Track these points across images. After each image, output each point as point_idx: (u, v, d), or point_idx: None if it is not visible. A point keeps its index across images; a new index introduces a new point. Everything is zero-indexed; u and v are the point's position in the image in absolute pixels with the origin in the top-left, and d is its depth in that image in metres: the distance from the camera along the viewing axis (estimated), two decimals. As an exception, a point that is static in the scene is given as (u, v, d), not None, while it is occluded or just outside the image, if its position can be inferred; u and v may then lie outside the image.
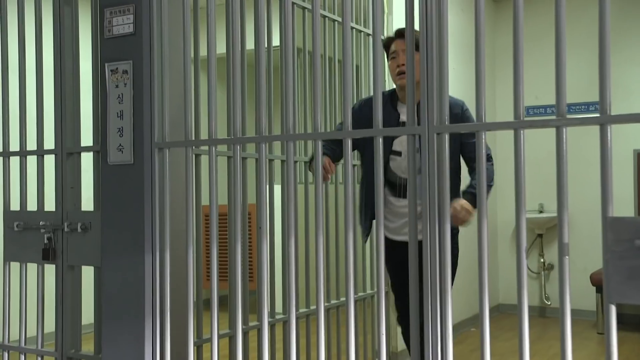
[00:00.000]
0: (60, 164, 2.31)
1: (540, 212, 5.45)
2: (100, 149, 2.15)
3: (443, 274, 1.55)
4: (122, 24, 2.09)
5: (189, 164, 1.97)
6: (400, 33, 2.53)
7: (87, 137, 2.31)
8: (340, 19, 3.41)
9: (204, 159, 2.38)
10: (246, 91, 2.40)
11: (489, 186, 2.40)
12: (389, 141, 2.56)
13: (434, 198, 1.57)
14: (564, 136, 1.41)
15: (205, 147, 2.07)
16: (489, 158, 2.51)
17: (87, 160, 2.32)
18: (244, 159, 2.48)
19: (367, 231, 2.76)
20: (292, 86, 1.80)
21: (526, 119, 1.47)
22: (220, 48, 2.16)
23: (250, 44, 2.59)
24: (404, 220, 2.59)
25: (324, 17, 3.21)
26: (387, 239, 2.46)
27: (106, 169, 2.12)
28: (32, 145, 2.39)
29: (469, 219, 2.33)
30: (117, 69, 2.10)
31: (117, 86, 2.09)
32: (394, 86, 2.66)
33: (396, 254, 2.53)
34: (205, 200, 2.29)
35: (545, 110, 6.22)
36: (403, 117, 2.56)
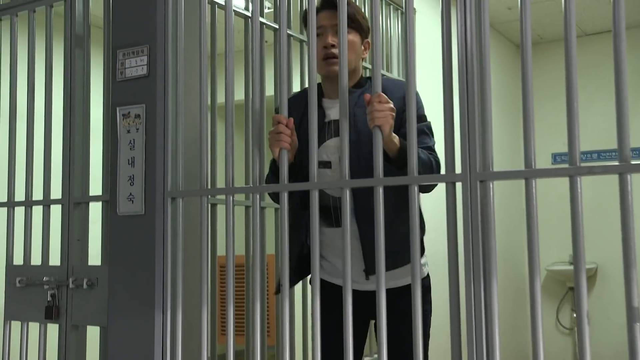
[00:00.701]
0: (67, 215, 2.18)
1: (572, 263, 5.23)
2: (109, 199, 2.03)
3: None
4: (135, 66, 1.99)
5: (204, 214, 1.83)
6: (328, 2, 1.94)
7: (96, 186, 2.19)
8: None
9: (220, 208, 2.24)
10: (265, 138, 2.29)
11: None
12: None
13: (478, 259, 1.41)
14: (629, 184, 1.26)
15: (222, 197, 1.94)
16: (432, 150, 1.91)
17: (95, 211, 2.19)
18: (262, 208, 2.34)
19: (294, 275, 2.07)
20: (316, 133, 1.67)
21: (583, 164, 1.32)
22: (239, 95, 2.07)
23: (269, 90, 2.50)
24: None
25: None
26: (327, 284, 2.04)
27: (115, 220, 1.99)
28: (38, 194, 2.27)
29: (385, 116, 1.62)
30: (129, 113, 1.99)
31: (128, 131, 1.98)
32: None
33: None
34: (220, 250, 2.15)
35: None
36: (332, 115, 1.98)
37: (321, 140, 1.94)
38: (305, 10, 2.02)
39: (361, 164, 1.83)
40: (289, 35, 2.63)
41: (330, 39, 1.94)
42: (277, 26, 2.72)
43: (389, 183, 1.58)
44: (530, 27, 1.41)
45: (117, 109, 2.01)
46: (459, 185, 1.47)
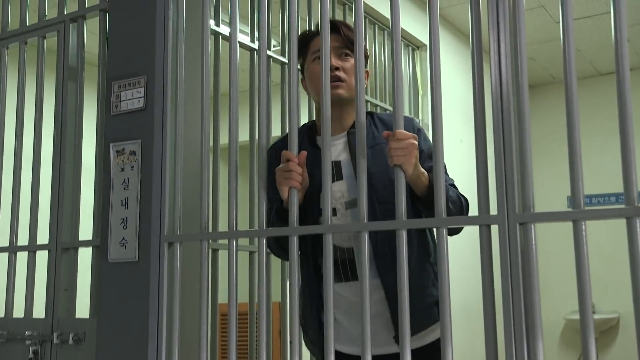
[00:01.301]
0: (54, 262, 2.02)
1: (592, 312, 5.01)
2: (100, 244, 1.86)
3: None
4: (132, 99, 1.85)
5: (205, 260, 1.67)
6: (333, 26, 1.74)
7: (86, 230, 2.03)
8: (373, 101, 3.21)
9: (222, 254, 2.08)
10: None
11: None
12: (315, 194, 1.71)
13: (519, 310, 1.24)
14: (637, 229, 1.12)
15: (224, 241, 1.78)
16: (454, 185, 1.74)
17: (85, 257, 2.02)
18: (268, 254, 2.17)
19: (317, 346, 1.80)
20: (329, 175, 1.52)
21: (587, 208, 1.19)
22: (243, 136, 1.94)
23: (275, 131, 2.36)
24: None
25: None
26: (341, 356, 1.77)
27: (106, 267, 1.82)
28: (23, 239, 2.11)
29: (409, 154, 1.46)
30: (123, 149, 1.84)
31: (122, 169, 1.83)
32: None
33: None
34: (222, 298, 1.98)
35: (591, 200, 5.90)
36: (333, 155, 1.75)
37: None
38: (303, 33, 1.89)
39: (377, 213, 1.67)
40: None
41: (334, 61, 1.76)
42: (283, 59, 2.60)
43: (415, 226, 1.42)
44: (573, 63, 1.27)
45: (111, 145, 1.87)
46: (494, 228, 1.30)
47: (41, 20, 2.21)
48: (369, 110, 1.95)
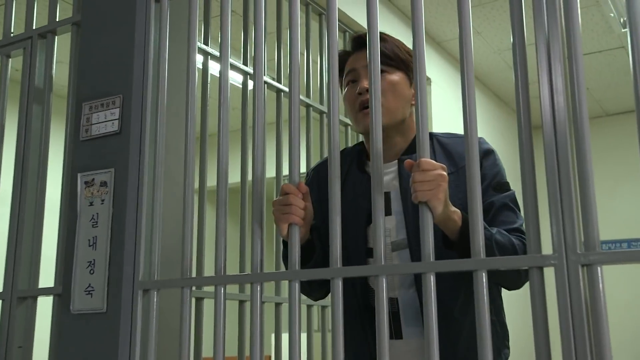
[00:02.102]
0: (8, 313, 1.75)
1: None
2: (62, 292, 1.60)
3: None
4: (105, 121, 1.63)
5: (187, 311, 1.41)
6: (361, 42, 1.58)
7: (47, 277, 1.77)
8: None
9: (208, 304, 1.82)
10: (265, 221, 1.91)
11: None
12: (359, 228, 1.52)
13: (589, 371, 0.99)
14: None
15: (210, 288, 1.53)
16: (519, 231, 1.46)
17: (44, 308, 1.75)
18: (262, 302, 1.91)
19: None
20: (338, 216, 1.28)
21: None
22: (233, 177, 1.74)
23: (270, 172, 2.14)
24: None
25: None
26: None
27: (68, 319, 1.56)
28: (-25, 286, 1.85)
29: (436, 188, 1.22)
30: (93, 180, 1.61)
31: (91, 203, 1.59)
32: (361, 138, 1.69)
33: None
34: (207, 351, 1.72)
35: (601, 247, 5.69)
36: (384, 185, 1.50)
37: (369, 220, 1.45)
38: (343, 50, 1.66)
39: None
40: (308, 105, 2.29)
41: (366, 84, 1.53)
42: (281, 87, 2.40)
43: (444, 268, 1.17)
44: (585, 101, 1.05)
45: (79, 175, 1.63)
46: (549, 271, 1.07)
47: (6, 37, 1.99)
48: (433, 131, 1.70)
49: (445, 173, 1.24)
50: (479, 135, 1.26)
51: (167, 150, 1.59)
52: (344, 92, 1.63)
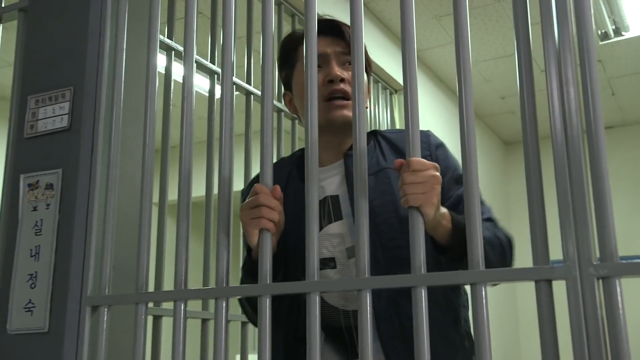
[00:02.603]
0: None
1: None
2: (-2, 309, 1.43)
3: None
4: (53, 116, 1.47)
5: (141, 329, 1.25)
6: (334, 25, 1.44)
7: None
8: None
9: (167, 322, 1.66)
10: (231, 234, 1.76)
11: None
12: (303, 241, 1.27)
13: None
14: None
15: (169, 304, 1.37)
16: (492, 220, 1.37)
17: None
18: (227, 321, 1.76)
19: None
20: (316, 227, 1.14)
21: None
22: (198, 190, 1.60)
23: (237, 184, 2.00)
24: None
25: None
26: None
27: (4, 341, 1.38)
28: None
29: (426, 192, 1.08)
30: (37, 182, 1.44)
31: (34, 208, 1.43)
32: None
33: None
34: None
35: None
36: (329, 189, 1.42)
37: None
38: (290, 36, 1.54)
39: (380, 263, 1.30)
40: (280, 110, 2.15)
41: (338, 71, 1.40)
42: (251, 88, 2.26)
43: (437, 282, 1.04)
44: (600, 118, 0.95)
45: (21, 176, 1.46)
46: (559, 284, 0.95)
47: (-55, 25, 1.82)
48: (372, 129, 1.56)
49: (438, 174, 1.11)
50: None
51: (123, 150, 1.44)
52: (298, 81, 1.47)
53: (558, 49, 1.03)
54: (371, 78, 1.53)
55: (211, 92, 2.13)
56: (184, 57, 1.37)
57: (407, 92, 1.11)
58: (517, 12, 1.08)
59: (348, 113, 1.38)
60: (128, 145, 1.50)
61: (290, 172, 1.48)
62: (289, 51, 1.50)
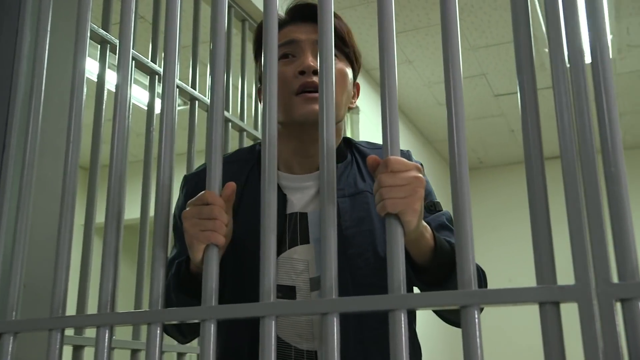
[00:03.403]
0: None
1: None
2: None
3: None
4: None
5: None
6: (311, 11, 1.27)
7: None
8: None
9: (89, 352, 1.44)
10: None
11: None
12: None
13: None
14: None
15: (92, 331, 1.17)
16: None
17: None
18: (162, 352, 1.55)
19: None
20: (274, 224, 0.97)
21: None
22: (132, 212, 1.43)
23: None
24: None
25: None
26: None
27: None
28: None
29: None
30: None
31: None
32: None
33: None
34: None
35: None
36: (298, 204, 1.25)
37: (280, 249, 1.20)
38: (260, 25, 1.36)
39: (348, 294, 1.13)
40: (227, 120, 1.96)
41: (312, 61, 1.23)
42: (196, 93, 2.08)
43: (420, 304, 0.88)
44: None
45: None
46: (569, 307, 0.80)
47: None
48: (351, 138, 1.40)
49: (422, 175, 0.96)
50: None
51: (41, 149, 1.24)
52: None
53: (569, 61, 0.90)
54: (359, 72, 1.36)
55: (150, 105, 1.94)
56: (119, 48, 1.18)
57: (385, 79, 0.96)
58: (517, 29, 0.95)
59: (316, 107, 1.21)
60: (48, 143, 1.30)
61: (252, 170, 1.29)
62: (260, 40, 1.31)
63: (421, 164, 1.29)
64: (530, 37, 0.92)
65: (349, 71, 1.28)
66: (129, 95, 1.17)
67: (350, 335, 1.14)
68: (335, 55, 1.24)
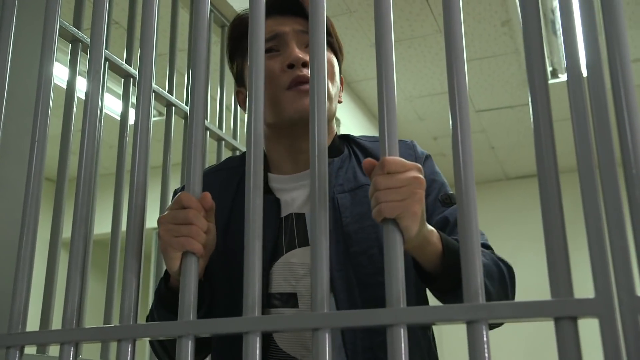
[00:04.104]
0: None
1: None
2: None
3: None
4: None
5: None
6: (287, 1, 1.21)
7: None
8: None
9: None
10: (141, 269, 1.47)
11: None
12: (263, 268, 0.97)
13: None
14: None
15: (55, 351, 1.07)
16: (488, 247, 1.16)
17: None
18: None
19: None
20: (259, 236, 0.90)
21: None
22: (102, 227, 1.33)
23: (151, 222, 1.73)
24: None
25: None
26: None
27: None
28: None
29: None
30: None
31: None
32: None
33: None
34: None
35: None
36: (293, 205, 1.18)
37: (276, 255, 1.14)
38: (240, 18, 1.28)
39: (357, 304, 1.07)
40: (205, 128, 1.87)
41: (300, 53, 1.15)
42: (172, 99, 2.00)
43: (421, 319, 0.80)
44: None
45: None
46: (589, 323, 0.73)
47: None
48: (345, 133, 1.33)
49: (422, 176, 0.89)
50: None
51: (3, 152, 1.15)
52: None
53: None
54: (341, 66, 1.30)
55: (124, 114, 1.85)
56: (90, 45, 1.10)
57: (382, 73, 0.89)
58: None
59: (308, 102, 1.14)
60: (10, 145, 1.20)
61: (242, 177, 1.20)
62: (239, 37, 1.24)
63: (428, 155, 1.23)
64: (542, 47, 0.86)
65: (336, 63, 1.22)
66: (100, 98, 1.08)
67: (358, 342, 1.07)
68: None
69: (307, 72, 1.14)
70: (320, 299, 0.84)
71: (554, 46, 3.82)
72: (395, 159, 0.86)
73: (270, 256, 1.13)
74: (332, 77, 1.18)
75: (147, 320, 1.11)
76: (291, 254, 1.13)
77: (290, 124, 1.15)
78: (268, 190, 1.19)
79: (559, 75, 4.17)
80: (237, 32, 1.26)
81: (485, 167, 5.71)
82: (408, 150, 1.21)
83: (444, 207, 1.14)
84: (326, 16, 1.23)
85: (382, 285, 1.05)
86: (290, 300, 1.11)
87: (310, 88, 0.92)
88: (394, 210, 0.83)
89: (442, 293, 1.01)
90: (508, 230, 5.93)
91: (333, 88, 1.19)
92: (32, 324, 1.32)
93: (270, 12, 1.19)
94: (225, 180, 1.22)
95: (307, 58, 1.15)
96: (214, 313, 1.08)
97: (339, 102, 1.24)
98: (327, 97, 1.15)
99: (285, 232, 1.15)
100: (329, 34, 1.19)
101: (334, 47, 1.23)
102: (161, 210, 1.96)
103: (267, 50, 1.18)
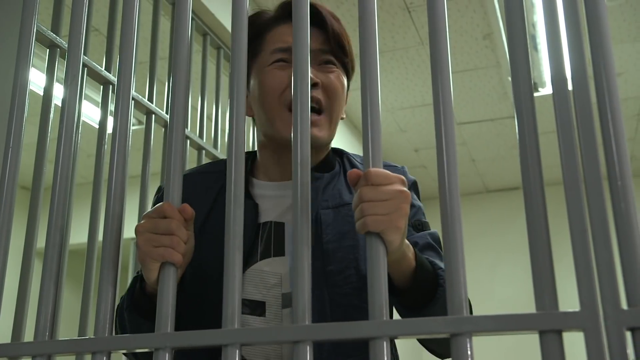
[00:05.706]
0: None
1: None
2: None
3: None
4: None
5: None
6: (312, 12, 1.10)
7: None
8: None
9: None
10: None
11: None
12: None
13: None
14: None
15: (27, 363, 1.04)
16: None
17: None
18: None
19: None
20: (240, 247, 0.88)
21: None
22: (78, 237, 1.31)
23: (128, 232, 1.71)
24: None
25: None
26: None
27: None
28: None
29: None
30: None
31: None
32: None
33: None
34: None
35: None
36: (270, 213, 1.15)
37: (249, 261, 1.12)
38: (258, 14, 1.23)
39: (326, 315, 1.05)
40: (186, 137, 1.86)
41: (312, 73, 1.09)
42: (152, 106, 1.98)
43: (404, 332, 0.79)
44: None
45: None
46: (573, 336, 0.73)
47: None
48: (338, 147, 1.32)
49: (406, 189, 0.88)
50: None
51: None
52: (260, 72, 1.17)
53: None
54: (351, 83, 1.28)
55: (102, 122, 1.82)
56: (68, 48, 1.08)
57: (367, 82, 0.89)
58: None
59: (319, 133, 1.13)
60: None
61: (222, 187, 1.18)
62: (253, 36, 1.17)
63: (415, 182, 1.22)
64: (528, 58, 0.86)
65: (345, 83, 1.20)
66: (78, 104, 1.06)
67: (349, 348, 1.06)
68: (334, 64, 1.18)
69: (315, 93, 1.12)
70: (302, 310, 0.83)
71: (534, 60, 3.85)
72: (379, 170, 0.85)
73: (243, 262, 1.11)
74: (339, 99, 1.16)
75: (115, 318, 1.08)
76: (265, 262, 1.11)
77: (283, 141, 1.13)
78: (247, 195, 1.17)
79: (539, 89, 4.21)
80: (250, 32, 1.23)
81: (465, 179, 5.74)
82: (399, 174, 1.20)
83: (414, 231, 1.14)
84: (345, 33, 1.21)
85: (355, 307, 1.04)
86: (258, 308, 1.09)
87: (293, 98, 0.90)
88: (379, 225, 0.82)
89: (406, 309, 1.00)
90: (487, 243, 5.96)
91: (340, 111, 1.17)
92: (4, 335, 1.29)
93: (286, 17, 1.17)
94: (210, 181, 1.20)
95: (318, 78, 1.13)
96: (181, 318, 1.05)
97: (341, 118, 1.22)
98: (331, 121, 1.15)
99: (261, 239, 1.13)
100: (345, 53, 1.18)
101: (347, 67, 1.20)
102: (139, 220, 1.94)
103: (278, 60, 1.15)
